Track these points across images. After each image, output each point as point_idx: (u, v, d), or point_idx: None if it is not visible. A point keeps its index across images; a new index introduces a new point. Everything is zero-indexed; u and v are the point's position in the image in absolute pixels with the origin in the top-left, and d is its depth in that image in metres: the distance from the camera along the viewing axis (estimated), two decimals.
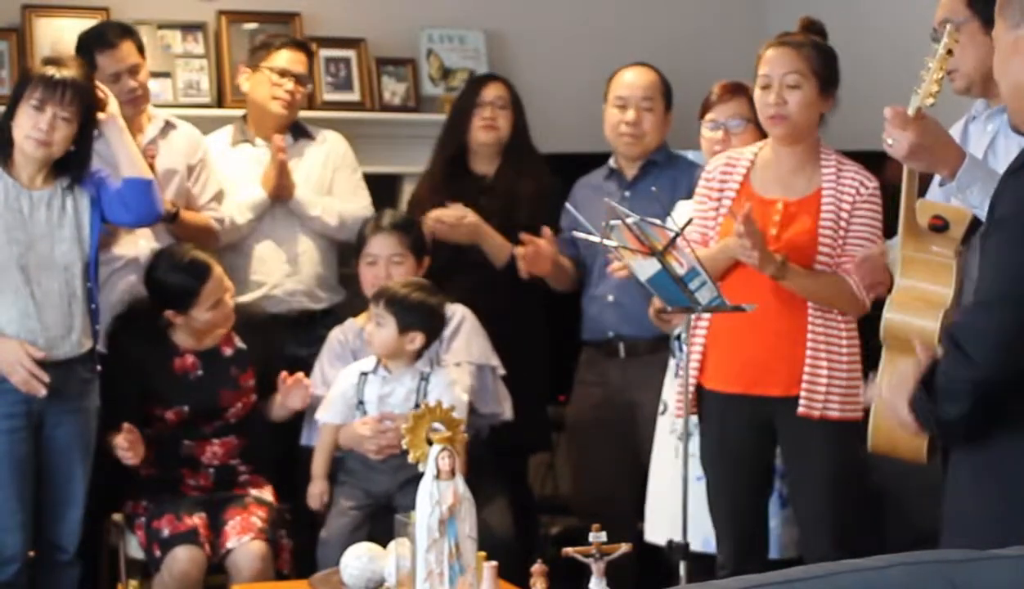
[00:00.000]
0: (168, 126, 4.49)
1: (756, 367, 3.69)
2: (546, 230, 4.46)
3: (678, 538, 3.82)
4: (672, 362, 4.16)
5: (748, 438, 3.72)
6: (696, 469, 3.93)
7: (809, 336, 3.63)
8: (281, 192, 4.54)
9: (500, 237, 4.58)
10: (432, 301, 4.09)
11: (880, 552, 1.86)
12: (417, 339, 4.06)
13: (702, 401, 3.77)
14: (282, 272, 4.57)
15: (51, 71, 3.81)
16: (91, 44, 4.33)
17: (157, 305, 4.16)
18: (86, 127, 3.88)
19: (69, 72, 3.83)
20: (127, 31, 4.40)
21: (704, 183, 3.87)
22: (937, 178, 3.15)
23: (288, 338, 4.50)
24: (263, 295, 4.55)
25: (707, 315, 3.74)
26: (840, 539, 3.63)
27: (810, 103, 3.67)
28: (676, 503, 3.77)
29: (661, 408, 4.15)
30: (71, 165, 3.89)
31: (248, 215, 4.53)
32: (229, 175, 4.59)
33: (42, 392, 3.79)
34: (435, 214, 4.53)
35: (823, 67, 3.69)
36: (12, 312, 3.81)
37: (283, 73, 4.59)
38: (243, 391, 4.21)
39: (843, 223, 3.66)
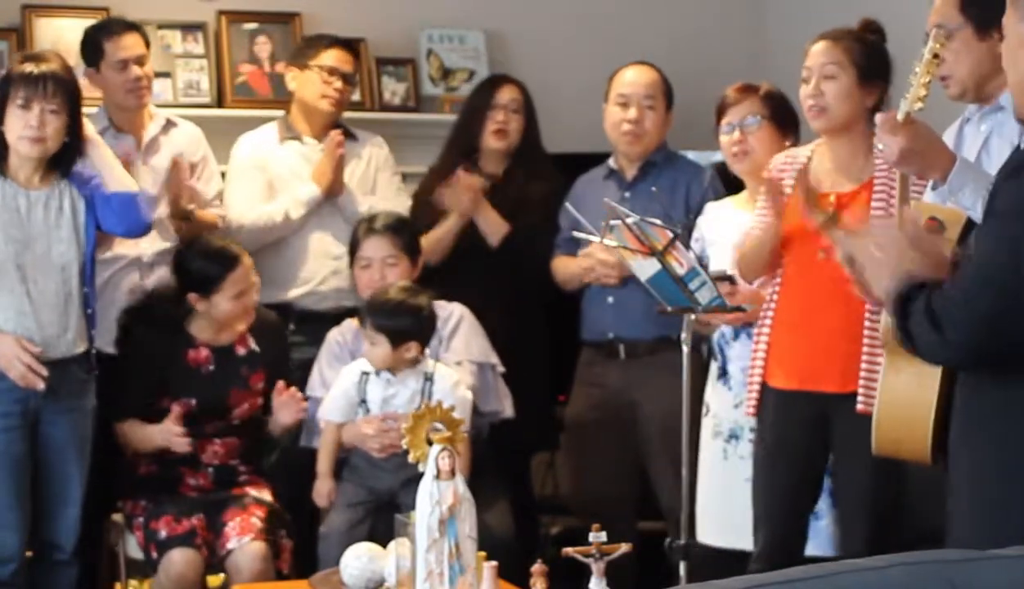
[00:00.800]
0: (169, 124, 4.52)
1: (812, 363, 3.66)
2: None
3: (732, 540, 3.84)
4: (714, 365, 4.16)
5: (803, 436, 3.69)
6: (745, 471, 3.92)
7: (866, 332, 3.57)
8: (333, 188, 4.58)
9: (496, 215, 4.60)
10: (418, 304, 4.08)
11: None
12: (412, 348, 4.06)
13: (763, 398, 3.76)
14: (328, 269, 4.60)
15: (30, 68, 3.80)
16: (97, 33, 4.39)
17: (182, 288, 4.17)
18: (75, 118, 3.87)
19: (48, 65, 3.83)
20: (133, 25, 4.45)
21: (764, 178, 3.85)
22: (930, 182, 3.15)
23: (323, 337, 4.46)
24: (310, 291, 4.58)
25: (770, 315, 3.74)
26: (873, 538, 3.59)
27: (848, 93, 3.65)
28: (726, 505, 3.78)
29: (704, 410, 4.14)
30: (64, 158, 3.89)
31: (302, 211, 4.56)
32: (279, 172, 4.63)
33: (40, 386, 3.79)
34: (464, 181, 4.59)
35: (864, 58, 3.66)
36: (8, 311, 3.80)
37: (332, 72, 4.63)
38: (252, 392, 4.21)
39: (893, 211, 3.63)
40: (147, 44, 4.43)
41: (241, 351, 4.24)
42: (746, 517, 3.80)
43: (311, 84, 4.65)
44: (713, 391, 4.14)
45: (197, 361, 4.19)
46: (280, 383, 4.17)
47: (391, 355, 4.04)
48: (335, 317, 4.48)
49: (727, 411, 4.02)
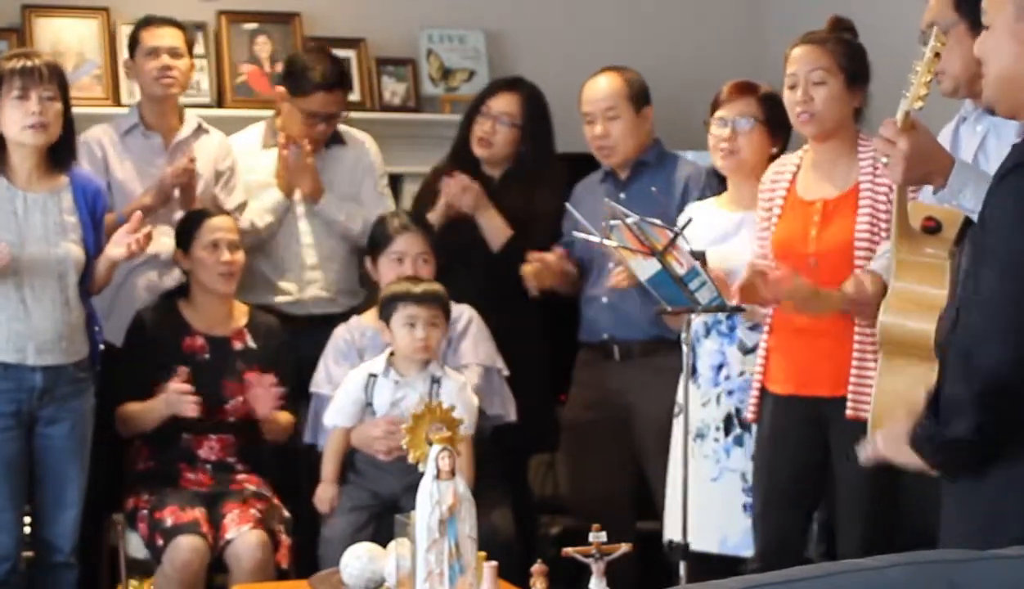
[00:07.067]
0: (200, 130, 4.54)
1: (806, 368, 3.66)
2: (556, 250, 4.44)
3: (694, 542, 3.83)
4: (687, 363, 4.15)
5: (801, 436, 3.68)
6: (710, 470, 3.92)
7: (856, 337, 3.56)
8: (312, 192, 4.54)
9: (500, 218, 4.57)
10: (435, 285, 4.17)
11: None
12: (440, 321, 4.12)
13: (762, 403, 3.76)
14: (308, 276, 4.59)
15: (20, 61, 3.81)
16: (139, 25, 4.46)
17: (178, 249, 4.28)
18: (67, 110, 3.87)
19: (39, 57, 3.85)
20: (173, 21, 4.50)
21: (759, 194, 3.85)
22: (929, 187, 3.13)
23: (303, 339, 4.44)
24: (293, 300, 4.57)
25: (769, 318, 3.74)
26: (869, 542, 3.57)
27: (837, 98, 3.64)
28: (698, 504, 3.76)
29: (676, 410, 4.13)
30: (61, 154, 3.89)
31: (268, 218, 4.55)
32: (257, 176, 4.61)
33: None
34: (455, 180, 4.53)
35: (850, 61, 3.66)
36: (0, 315, 3.79)
37: (313, 116, 4.54)
38: (246, 387, 4.21)
39: (882, 215, 3.60)
40: (188, 45, 4.47)
41: (238, 346, 4.27)
42: (706, 517, 3.80)
43: (294, 121, 4.57)
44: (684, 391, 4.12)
45: (193, 349, 4.23)
46: (253, 374, 4.17)
47: (443, 330, 4.10)
48: (323, 319, 4.47)
49: (696, 410, 4.01)
